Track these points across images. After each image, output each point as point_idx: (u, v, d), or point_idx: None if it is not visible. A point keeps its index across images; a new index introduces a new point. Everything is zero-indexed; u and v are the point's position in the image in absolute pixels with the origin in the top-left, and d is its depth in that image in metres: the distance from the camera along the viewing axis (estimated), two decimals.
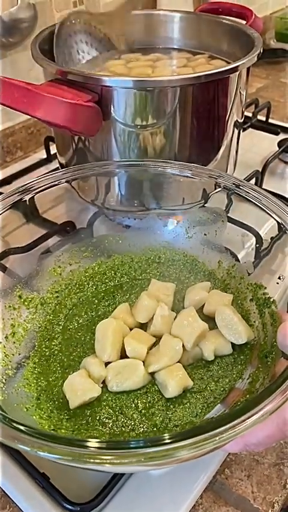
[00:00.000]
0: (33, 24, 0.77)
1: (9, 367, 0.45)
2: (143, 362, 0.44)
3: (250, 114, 0.95)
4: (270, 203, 0.49)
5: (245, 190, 0.51)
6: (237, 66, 0.58)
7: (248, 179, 0.73)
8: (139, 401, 0.42)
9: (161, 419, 0.41)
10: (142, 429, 0.41)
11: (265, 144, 0.91)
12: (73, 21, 0.68)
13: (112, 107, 0.57)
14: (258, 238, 0.54)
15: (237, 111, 0.66)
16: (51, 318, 0.51)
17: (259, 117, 0.96)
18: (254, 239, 0.55)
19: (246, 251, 0.54)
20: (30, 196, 0.52)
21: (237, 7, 0.79)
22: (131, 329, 0.47)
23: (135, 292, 0.54)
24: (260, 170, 0.76)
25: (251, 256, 0.53)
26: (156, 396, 0.43)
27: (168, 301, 0.50)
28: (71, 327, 0.50)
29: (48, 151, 0.86)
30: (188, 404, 0.42)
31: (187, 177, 0.55)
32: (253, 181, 0.75)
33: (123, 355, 0.45)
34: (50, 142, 0.86)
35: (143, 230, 0.59)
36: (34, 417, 0.41)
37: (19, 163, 0.88)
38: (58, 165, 0.74)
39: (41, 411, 0.41)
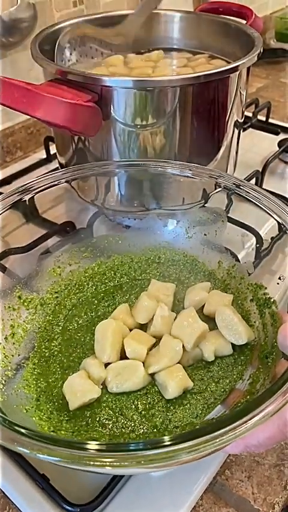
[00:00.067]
0: (33, 24, 0.77)
1: (9, 368, 0.44)
2: (143, 363, 0.43)
3: (250, 114, 0.95)
4: (270, 203, 0.49)
5: (245, 190, 0.51)
6: (237, 66, 0.58)
7: (248, 179, 0.73)
8: (139, 403, 0.42)
9: (161, 420, 0.41)
10: (142, 430, 0.40)
11: (265, 144, 0.91)
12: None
13: (112, 106, 0.57)
14: (259, 238, 0.54)
15: (238, 111, 0.66)
16: (50, 318, 0.51)
17: (259, 117, 0.96)
18: (254, 239, 0.55)
19: (247, 251, 0.54)
20: (30, 196, 0.52)
21: (237, 7, 0.79)
22: (130, 330, 0.47)
23: (135, 293, 0.54)
24: (260, 170, 0.76)
25: (251, 257, 0.52)
26: (156, 397, 0.43)
27: (168, 301, 0.50)
28: (70, 327, 0.50)
29: (48, 151, 0.86)
30: (188, 405, 0.42)
31: (187, 177, 0.55)
32: (253, 181, 0.75)
33: (123, 356, 0.45)
34: (50, 142, 0.85)
35: (143, 230, 0.59)
36: (34, 418, 0.40)
37: (19, 163, 0.88)
38: (58, 165, 0.74)
39: (41, 412, 0.41)
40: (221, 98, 0.61)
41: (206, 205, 0.57)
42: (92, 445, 0.30)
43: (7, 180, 0.81)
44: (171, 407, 0.42)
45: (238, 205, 0.53)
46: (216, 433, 0.30)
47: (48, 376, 0.45)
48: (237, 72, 0.60)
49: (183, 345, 0.44)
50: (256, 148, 0.90)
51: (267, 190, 0.50)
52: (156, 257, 0.57)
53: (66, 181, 0.54)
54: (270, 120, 0.98)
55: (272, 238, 0.49)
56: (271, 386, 0.33)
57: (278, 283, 0.48)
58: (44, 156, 0.87)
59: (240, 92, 0.64)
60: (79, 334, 0.49)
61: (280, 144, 0.87)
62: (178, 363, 0.44)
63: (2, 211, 0.49)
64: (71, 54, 0.69)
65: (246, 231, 0.55)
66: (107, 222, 0.62)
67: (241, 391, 0.42)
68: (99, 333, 0.46)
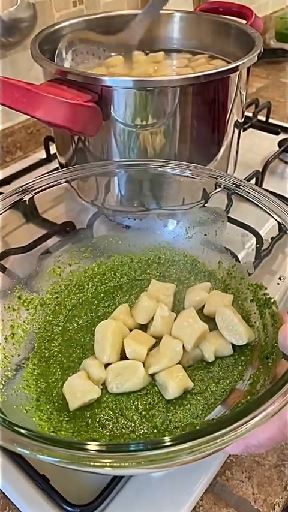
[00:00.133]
0: (33, 24, 0.77)
1: (9, 368, 0.44)
2: (143, 363, 0.43)
3: (250, 114, 0.95)
4: (270, 203, 0.49)
5: (245, 190, 0.51)
6: (238, 66, 0.58)
7: (248, 179, 0.73)
8: (139, 403, 0.42)
9: (161, 420, 0.41)
10: (142, 431, 0.40)
11: (265, 144, 0.91)
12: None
13: (112, 106, 0.57)
14: (259, 239, 0.54)
15: (238, 111, 0.66)
16: (50, 318, 0.51)
17: (259, 117, 0.96)
18: (254, 239, 0.54)
19: (247, 251, 0.54)
20: (29, 196, 0.52)
21: (238, 6, 0.79)
22: (130, 330, 0.47)
23: (135, 293, 0.54)
24: (260, 170, 0.76)
25: (252, 257, 0.52)
26: (156, 398, 0.43)
27: (168, 301, 0.50)
28: (70, 328, 0.50)
29: (48, 151, 0.86)
30: (189, 405, 0.42)
31: (187, 177, 0.55)
32: (253, 181, 0.75)
33: (123, 356, 0.45)
34: (50, 142, 0.85)
35: (143, 230, 0.59)
36: (34, 419, 0.40)
37: (19, 163, 0.88)
38: (58, 165, 0.74)
39: (41, 413, 0.41)
40: (221, 98, 0.61)
41: (206, 205, 0.57)
42: (92, 446, 0.30)
43: (7, 180, 0.81)
44: (172, 408, 0.42)
45: (238, 206, 0.53)
46: (216, 434, 0.30)
47: (48, 376, 0.45)
48: (238, 72, 0.60)
49: (183, 345, 0.44)
50: (256, 148, 0.90)
51: (268, 191, 0.50)
52: (156, 257, 0.57)
53: (66, 182, 0.54)
54: (270, 120, 0.98)
55: (272, 238, 0.49)
56: (271, 387, 0.32)
57: (278, 284, 0.48)
58: (44, 156, 0.87)
59: (240, 92, 0.63)
60: (79, 335, 0.49)
61: (280, 144, 0.87)
62: (178, 363, 0.44)
63: (2, 211, 0.49)
64: (72, 59, 0.69)
65: (247, 231, 0.55)
66: (107, 222, 0.62)
67: (241, 392, 0.42)
68: (99, 334, 0.45)
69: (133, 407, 0.42)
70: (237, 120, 0.67)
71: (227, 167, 0.70)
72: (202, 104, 0.59)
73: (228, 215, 0.55)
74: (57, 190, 0.54)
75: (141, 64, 0.72)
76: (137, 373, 0.42)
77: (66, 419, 0.41)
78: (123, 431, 0.40)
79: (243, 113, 0.69)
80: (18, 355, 0.46)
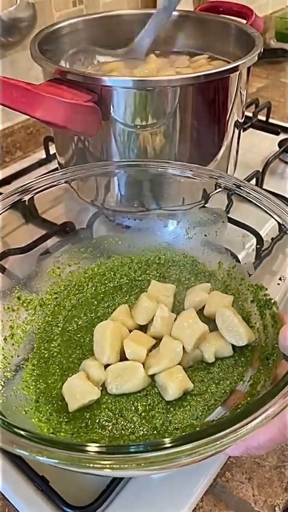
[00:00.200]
0: (33, 24, 0.77)
1: (8, 369, 0.44)
2: (143, 364, 0.43)
3: (250, 114, 0.95)
4: (270, 203, 0.48)
5: (245, 191, 0.50)
6: (238, 66, 0.58)
7: (249, 179, 0.73)
8: (139, 404, 0.42)
9: (161, 422, 0.41)
10: (142, 432, 0.40)
11: (265, 144, 0.91)
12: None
13: (112, 107, 0.57)
14: (259, 239, 0.54)
15: (238, 111, 0.65)
16: (50, 319, 0.51)
17: (259, 117, 0.96)
18: (254, 240, 0.54)
19: (247, 252, 0.54)
20: (29, 196, 0.51)
21: (238, 6, 0.79)
22: (130, 331, 0.47)
23: (134, 294, 0.53)
24: (261, 170, 0.76)
25: (252, 257, 0.52)
26: (156, 399, 0.42)
27: (168, 302, 0.50)
28: (70, 328, 0.50)
29: (47, 151, 0.86)
30: (189, 407, 0.42)
31: (187, 177, 0.55)
32: (253, 181, 0.75)
33: (122, 357, 0.44)
34: (50, 143, 0.85)
35: (143, 231, 0.59)
36: (33, 420, 0.40)
37: (18, 163, 0.88)
38: (57, 165, 0.74)
39: (40, 414, 0.41)
40: (221, 97, 0.61)
41: (206, 205, 0.56)
42: (92, 447, 0.30)
43: (7, 180, 0.81)
44: (171, 409, 0.42)
45: (238, 206, 0.53)
46: (216, 436, 0.29)
47: (47, 377, 0.45)
48: (238, 72, 0.60)
49: (183, 346, 0.44)
50: (256, 148, 0.90)
51: (268, 191, 0.50)
52: (156, 258, 0.57)
53: (65, 182, 0.54)
54: (270, 120, 0.98)
55: (273, 238, 0.49)
56: (272, 389, 0.32)
57: (278, 284, 0.47)
58: (44, 156, 0.86)
59: (240, 92, 0.63)
60: (78, 335, 0.49)
61: (280, 144, 0.87)
62: (178, 364, 0.43)
63: (1, 212, 0.49)
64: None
65: (247, 232, 0.55)
66: (106, 222, 0.62)
67: (242, 393, 0.42)
68: (98, 334, 0.45)
69: (133, 408, 0.42)
70: (237, 120, 0.66)
71: (227, 167, 0.70)
72: (202, 104, 0.59)
73: (229, 215, 0.55)
74: (57, 191, 0.54)
75: (144, 66, 0.72)
76: (136, 374, 0.42)
77: (65, 420, 0.41)
78: (123, 432, 0.40)
79: (243, 113, 0.68)
80: (18, 356, 0.46)
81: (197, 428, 0.40)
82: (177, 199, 0.60)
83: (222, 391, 0.43)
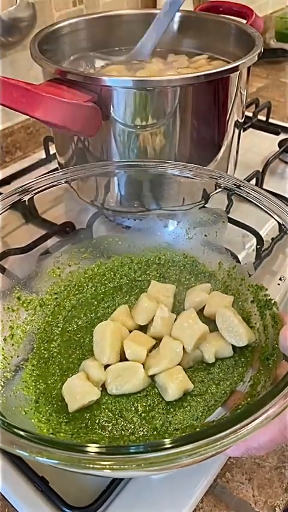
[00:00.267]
0: (33, 24, 0.77)
1: (8, 369, 0.44)
2: (143, 365, 0.43)
3: (250, 114, 0.95)
4: (270, 203, 0.48)
5: (245, 191, 0.50)
6: (238, 66, 0.58)
7: (249, 179, 0.73)
8: (139, 405, 0.42)
9: (161, 422, 0.41)
10: (142, 433, 0.40)
11: (265, 144, 0.91)
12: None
13: (112, 106, 0.57)
14: (259, 239, 0.54)
15: (238, 111, 0.65)
16: (50, 319, 0.51)
17: (259, 117, 0.96)
18: (254, 240, 0.54)
19: (247, 252, 0.54)
20: (29, 196, 0.51)
21: (238, 6, 0.78)
22: (130, 331, 0.47)
23: (134, 294, 0.53)
24: (261, 170, 0.76)
25: (252, 257, 0.52)
26: (156, 399, 0.42)
27: (168, 302, 0.50)
28: (70, 328, 0.50)
29: (47, 151, 0.86)
30: (189, 407, 0.42)
31: (187, 177, 0.55)
32: (253, 181, 0.75)
33: (122, 357, 0.44)
34: (49, 143, 0.85)
35: (143, 231, 0.59)
36: (33, 420, 0.40)
37: (18, 163, 0.88)
38: (57, 165, 0.74)
39: (40, 414, 0.41)
40: (221, 97, 0.61)
41: (206, 205, 0.56)
42: (92, 448, 0.30)
43: (6, 180, 0.81)
44: (172, 410, 0.42)
45: (238, 206, 0.53)
46: (217, 436, 0.29)
47: (47, 377, 0.45)
48: (238, 72, 0.60)
49: (183, 347, 0.44)
50: (256, 148, 0.90)
51: (268, 191, 0.50)
52: (156, 258, 0.57)
53: (65, 182, 0.54)
54: (270, 120, 0.97)
55: (273, 238, 0.49)
56: (272, 389, 0.32)
57: (278, 284, 0.47)
58: (44, 156, 0.86)
59: (240, 92, 0.63)
60: (78, 336, 0.49)
61: (280, 144, 0.87)
62: (178, 364, 0.43)
63: (1, 212, 0.49)
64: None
65: (247, 232, 0.55)
66: (106, 222, 0.62)
67: (242, 393, 0.42)
68: (97, 335, 0.45)
69: (133, 409, 0.42)
70: (237, 120, 0.66)
71: (227, 167, 0.69)
72: (202, 104, 0.59)
73: (229, 216, 0.55)
74: (57, 191, 0.54)
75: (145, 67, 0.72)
76: (136, 375, 0.42)
77: (65, 420, 0.41)
78: (123, 433, 0.40)
79: (243, 112, 0.68)
80: (17, 356, 0.46)
81: (197, 429, 0.40)
82: (177, 199, 0.59)
83: (223, 392, 0.43)
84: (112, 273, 0.56)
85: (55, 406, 0.42)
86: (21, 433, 0.31)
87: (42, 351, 0.48)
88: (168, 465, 0.29)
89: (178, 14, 0.77)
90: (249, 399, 0.39)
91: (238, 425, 0.30)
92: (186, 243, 0.57)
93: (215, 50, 0.75)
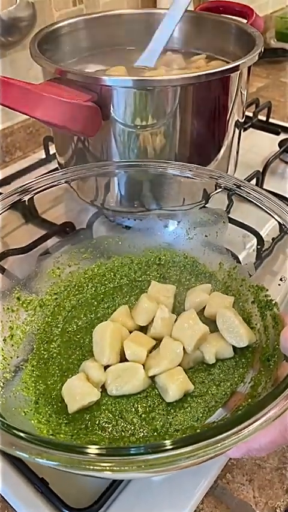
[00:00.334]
0: (33, 23, 0.77)
1: (8, 370, 0.44)
2: (143, 365, 0.43)
3: (251, 114, 0.95)
4: (271, 204, 0.48)
5: (245, 191, 0.50)
6: (238, 66, 0.58)
7: (249, 179, 0.73)
8: (139, 406, 0.42)
9: (161, 423, 0.40)
10: (142, 434, 0.40)
11: (266, 144, 0.91)
12: None
13: (112, 106, 0.56)
14: (260, 239, 0.54)
15: (238, 111, 0.65)
16: (49, 320, 0.50)
17: (260, 117, 0.96)
18: (255, 240, 0.54)
19: (248, 252, 0.54)
20: (29, 196, 0.51)
21: (238, 6, 0.78)
22: (130, 332, 0.47)
23: (135, 294, 0.53)
24: (261, 170, 0.76)
25: (252, 258, 0.52)
26: (156, 400, 0.42)
27: (168, 303, 0.50)
28: (69, 329, 0.50)
29: (47, 151, 0.85)
30: (189, 408, 0.42)
31: (188, 177, 0.54)
32: (254, 181, 0.75)
33: (122, 358, 0.44)
34: (49, 142, 0.85)
35: (143, 231, 0.59)
36: (32, 421, 0.40)
37: (18, 163, 0.88)
38: (57, 165, 0.74)
39: (40, 415, 0.41)
40: (222, 97, 0.61)
41: (206, 205, 0.56)
42: (92, 449, 0.30)
43: (6, 181, 0.81)
44: (172, 411, 0.42)
45: (239, 206, 0.53)
46: (217, 438, 0.29)
47: (47, 378, 0.45)
48: (238, 72, 0.60)
49: (183, 347, 0.43)
50: (257, 148, 0.90)
51: (268, 191, 0.50)
52: (156, 258, 0.57)
53: (65, 182, 0.54)
54: (270, 120, 0.97)
55: (273, 239, 0.49)
56: (273, 390, 0.32)
57: (279, 285, 0.47)
58: (44, 156, 0.86)
59: (240, 92, 0.63)
60: (78, 336, 0.49)
61: (281, 144, 0.87)
62: (179, 365, 0.43)
63: (1, 212, 0.49)
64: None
65: (247, 232, 0.55)
66: (106, 222, 0.61)
67: (242, 394, 0.42)
68: (97, 335, 0.45)
69: (133, 410, 0.42)
70: (237, 120, 0.66)
71: (228, 167, 0.69)
72: (202, 104, 0.59)
73: (229, 216, 0.55)
74: (57, 191, 0.54)
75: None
76: (136, 375, 0.42)
77: (65, 421, 0.41)
78: (123, 434, 0.40)
79: (243, 112, 0.68)
80: (17, 357, 0.46)
81: (198, 430, 0.40)
82: (177, 199, 0.59)
83: (223, 393, 0.43)
84: (112, 274, 0.56)
85: (55, 407, 0.42)
86: (21, 434, 0.31)
87: (42, 352, 0.47)
88: (169, 467, 0.29)
89: None
90: (249, 400, 0.39)
91: (239, 427, 0.30)
92: (186, 243, 0.57)
93: (215, 49, 0.75)
